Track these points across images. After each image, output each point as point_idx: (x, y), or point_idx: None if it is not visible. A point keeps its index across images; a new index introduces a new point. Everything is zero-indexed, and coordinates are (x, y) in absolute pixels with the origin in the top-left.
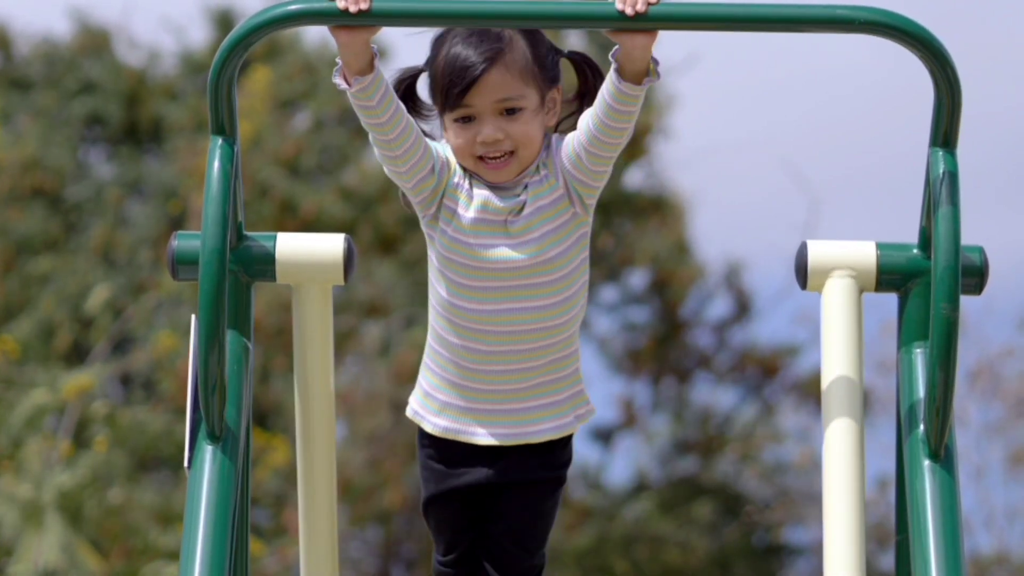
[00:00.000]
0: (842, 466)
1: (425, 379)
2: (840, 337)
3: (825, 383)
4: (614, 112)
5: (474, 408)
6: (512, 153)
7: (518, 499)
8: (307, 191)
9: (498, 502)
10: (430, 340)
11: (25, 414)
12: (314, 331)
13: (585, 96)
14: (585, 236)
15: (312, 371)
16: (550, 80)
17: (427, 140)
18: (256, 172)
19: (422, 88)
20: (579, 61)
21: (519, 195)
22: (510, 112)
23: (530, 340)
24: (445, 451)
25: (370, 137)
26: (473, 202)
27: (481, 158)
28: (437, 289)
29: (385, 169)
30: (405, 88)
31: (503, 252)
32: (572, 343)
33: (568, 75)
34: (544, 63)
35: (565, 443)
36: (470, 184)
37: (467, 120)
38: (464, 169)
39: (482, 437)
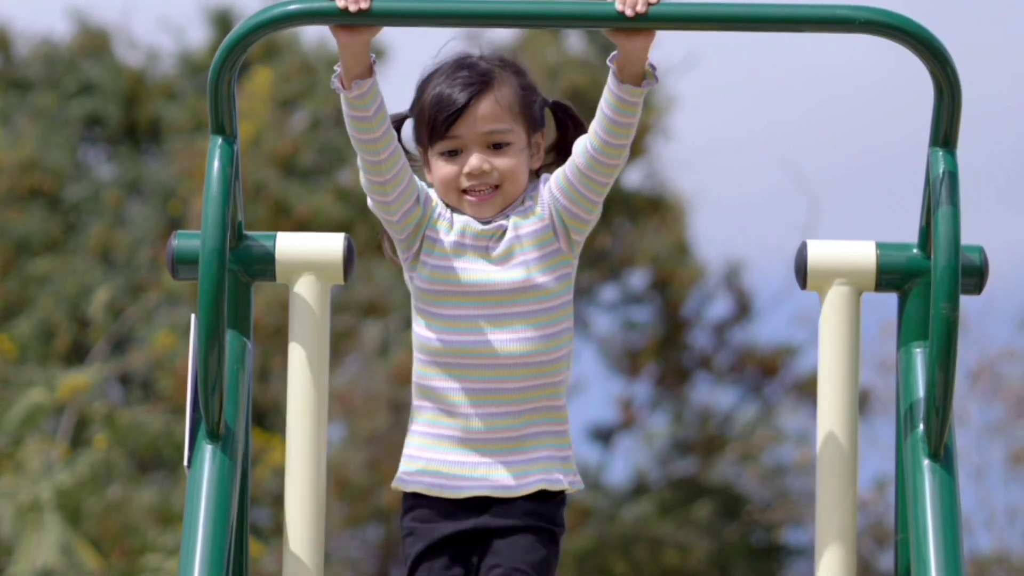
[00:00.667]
0: (836, 470)
1: (410, 445)
2: (837, 344)
3: (822, 389)
4: (614, 125)
5: (461, 461)
6: (497, 188)
7: (507, 549)
8: (302, 192)
9: (485, 556)
10: (414, 404)
11: (22, 413)
12: (312, 331)
13: (562, 149)
14: (569, 277)
15: (307, 372)
16: (536, 123)
17: (412, 173)
18: (251, 173)
19: (407, 138)
20: (562, 112)
21: (500, 221)
22: (497, 146)
23: (517, 377)
24: (430, 507)
25: (359, 161)
26: (454, 227)
27: (466, 191)
28: (420, 333)
29: (370, 202)
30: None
31: (484, 275)
32: (560, 394)
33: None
34: (532, 105)
35: (557, 504)
36: (451, 212)
37: (453, 153)
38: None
39: (467, 490)
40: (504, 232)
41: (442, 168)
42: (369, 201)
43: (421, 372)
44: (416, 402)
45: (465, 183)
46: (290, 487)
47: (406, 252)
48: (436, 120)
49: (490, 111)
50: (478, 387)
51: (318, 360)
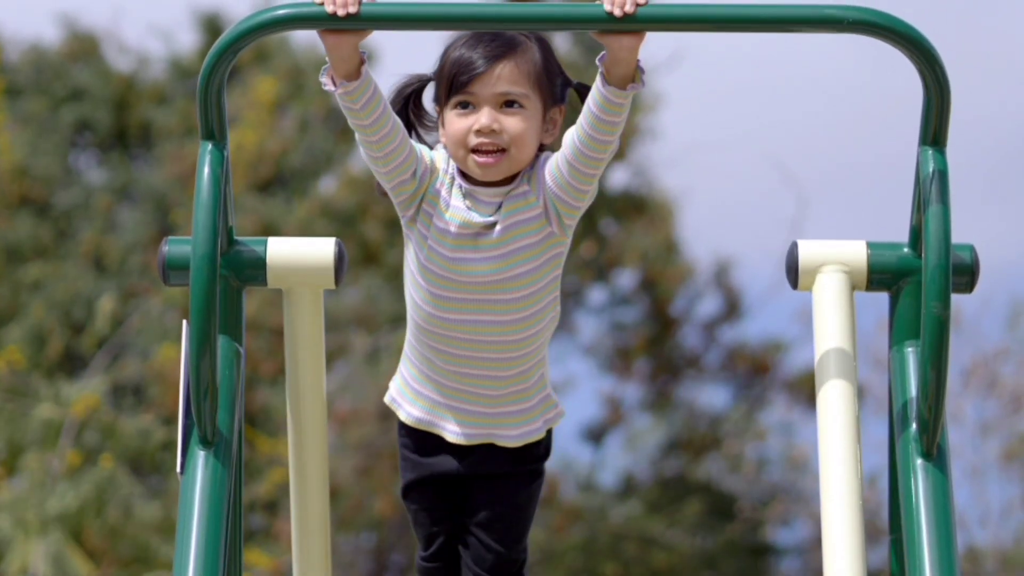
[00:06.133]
0: (839, 464)
1: (404, 367)
2: (833, 331)
3: (819, 379)
4: (600, 123)
5: (446, 404)
6: (504, 151)
7: (490, 491)
8: (285, 212)
9: (471, 494)
10: (409, 333)
11: (36, 429)
12: (306, 335)
13: None
14: (560, 256)
15: (304, 376)
16: (555, 97)
17: (413, 144)
18: (243, 185)
19: (427, 98)
20: (586, 94)
21: (492, 215)
22: (509, 105)
23: (495, 351)
24: (419, 441)
25: (356, 137)
26: (449, 212)
27: (474, 150)
28: (412, 293)
29: (369, 166)
30: (411, 94)
31: (473, 267)
32: (540, 353)
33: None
34: (553, 78)
35: (538, 442)
36: (449, 193)
37: (466, 107)
38: (450, 179)
39: (452, 434)
40: (496, 225)
41: (454, 123)
42: (368, 164)
43: (412, 316)
44: (410, 335)
45: (474, 140)
46: (294, 493)
47: (403, 212)
48: (455, 78)
49: (508, 73)
50: (458, 353)
51: (314, 365)
